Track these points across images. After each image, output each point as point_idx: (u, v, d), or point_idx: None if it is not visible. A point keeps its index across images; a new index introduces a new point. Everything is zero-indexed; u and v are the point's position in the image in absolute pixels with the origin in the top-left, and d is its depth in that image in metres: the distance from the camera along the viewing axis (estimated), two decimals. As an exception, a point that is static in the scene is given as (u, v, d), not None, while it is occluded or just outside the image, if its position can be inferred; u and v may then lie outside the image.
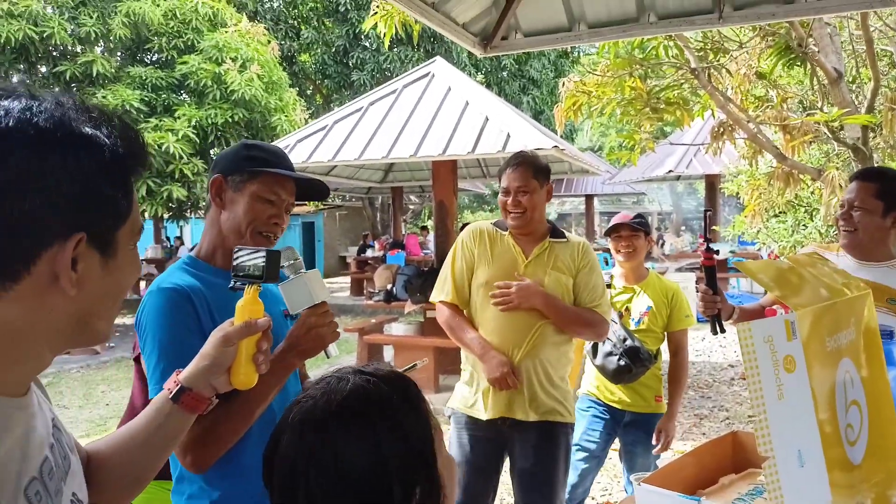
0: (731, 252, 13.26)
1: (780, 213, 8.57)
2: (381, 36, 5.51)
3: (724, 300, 2.11)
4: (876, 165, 3.51)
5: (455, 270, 2.57)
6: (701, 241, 2.57)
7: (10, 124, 0.70)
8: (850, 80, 5.86)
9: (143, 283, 16.60)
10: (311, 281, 1.41)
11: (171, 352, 1.36)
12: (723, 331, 2.11)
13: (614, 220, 3.02)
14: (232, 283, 1.26)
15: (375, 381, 0.92)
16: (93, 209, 0.74)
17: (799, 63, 5.20)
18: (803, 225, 7.62)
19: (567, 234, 2.59)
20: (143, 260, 16.85)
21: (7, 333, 0.72)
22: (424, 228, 18.25)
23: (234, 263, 1.25)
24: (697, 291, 2.13)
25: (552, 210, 33.39)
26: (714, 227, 12.46)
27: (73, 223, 0.72)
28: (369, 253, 15.72)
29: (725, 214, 16.94)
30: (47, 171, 0.70)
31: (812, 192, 7.46)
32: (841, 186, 4.61)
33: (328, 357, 2.07)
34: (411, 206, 19.76)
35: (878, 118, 4.92)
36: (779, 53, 5.17)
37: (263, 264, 1.23)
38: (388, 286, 7.82)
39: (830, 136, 5.13)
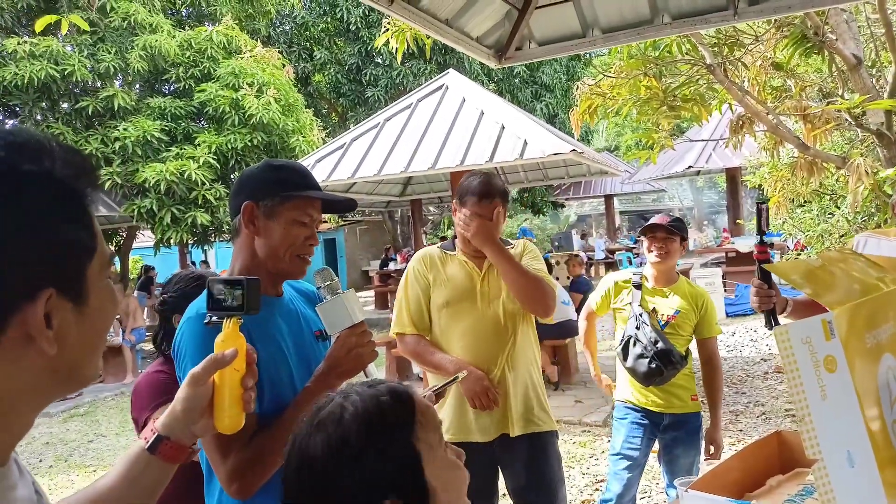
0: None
1: (804, 202, 8.44)
2: (394, 52, 5.57)
3: (779, 293, 2.07)
4: None
5: (410, 299, 2.51)
6: (738, 235, 2.52)
7: None
8: (870, 65, 5.78)
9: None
10: (348, 301, 1.41)
11: None
12: (777, 324, 2.06)
13: (652, 220, 2.99)
14: (208, 317, 1.15)
15: (354, 400, 0.94)
16: (56, 256, 0.65)
17: (816, 52, 5.14)
18: (829, 213, 7.51)
19: (508, 240, 2.58)
20: (170, 286, 17.05)
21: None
22: (445, 238, 18.27)
23: (212, 296, 1.14)
24: (752, 286, 2.08)
25: (571, 212, 33.24)
26: (739, 221, 12.34)
27: (39, 278, 0.64)
28: (392, 266, 15.78)
29: (748, 207, 16.76)
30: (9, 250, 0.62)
31: (837, 180, 7.36)
32: (867, 173, 4.55)
33: (367, 378, 2.09)
34: (430, 217, 19.80)
35: (901, 102, 4.84)
36: (795, 43, 5.12)
37: (242, 294, 1.13)
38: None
39: (853, 122, 5.07)
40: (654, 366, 2.81)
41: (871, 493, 1.02)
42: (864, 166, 4.55)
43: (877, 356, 1.14)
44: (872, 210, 6.98)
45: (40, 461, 6.21)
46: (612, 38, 2.83)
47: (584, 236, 23.87)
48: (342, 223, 20.81)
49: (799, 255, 9.49)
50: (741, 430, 5.24)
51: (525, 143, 6.34)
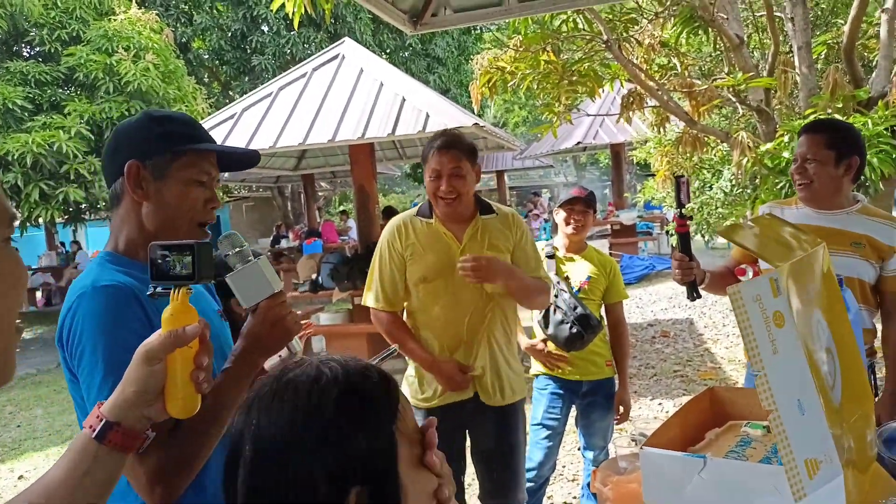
0: (639, 217, 13.82)
1: (684, 176, 8.96)
2: (291, 16, 5.32)
3: (698, 266, 2.13)
4: (823, 118, 3.69)
5: (384, 274, 2.45)
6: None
7: None
8: (747, 45, 6.17)
9: (39, 294, 15.60)
10: (264, 268, 1.23)
11: (120, 361, 1.01)
12: (698, 296, 2.13)
13: (572, 193, 3.06)
14: (151, 288, 1.00)
15: (334, 366, 0.76)
16: None
17: (703, 31, 5.42)
18: (709, 186, 8.01)
19: (494, 205, 2.50)
20: (38, 269, 15.76)
21: None
22: (344, 213, 18.00)
23: (155, 263, 0.99)
24: (673, 258, 2.13)
25: (463, 188, 33.62)
26: (626, 194, 12.96)
27: None
28: (284, 244, 15.34)
29: (627, 181, 17.64)
30: None
31: (715, 155, 7.86)
32: (749, 147, 4.86)
33: (291, 352, 1.96)
34: (321, 194, 19.40)
35: (776, 81, 5.21)
36: (683, 22, 5.37)
37: (192, 260, 0.98)
38: (313, 276, 7.66)
39: (735, 99, 5.39)
40: (574, 330, 2.88)
41: (822, 437, 1.08)
42: (747, 140, 4.86)
43: (810, 311, 1.21)
44: (747, 183, 7.52)
45: None
46: (528, 7, 2.83)
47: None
48: (227, 199, 19.91)
49: (679, 226, 10.10)
50: (635, 392, 5.53)
51: (427, 115, 6.29)
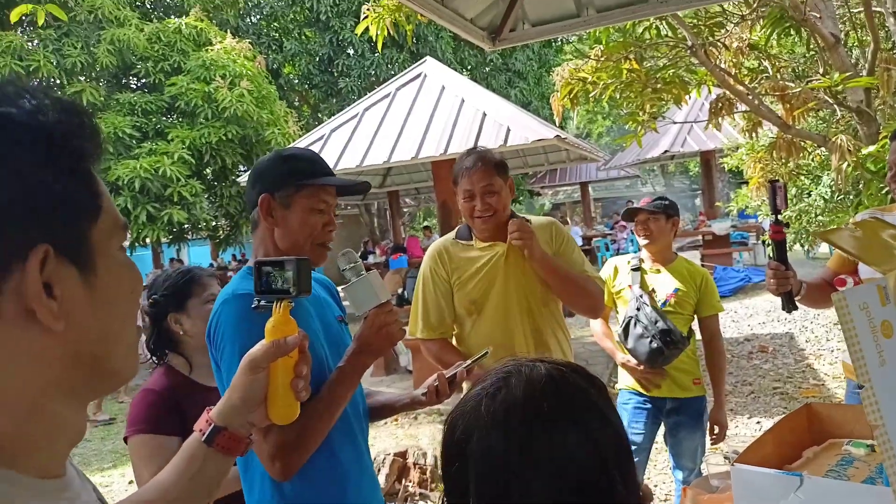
0: (733, 226, 13.26)
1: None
2: (375, 38, 5.49)
3: (795, 275, 2.03)
4: None
5: (429, 302, 2.36)
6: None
7: None
8: (846, 44, 5.85)
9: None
10: (374, 281, 1.44)
11: None
12: (794, 308, 2.03)
13: (638, 204, 2.99)
14: (255, 302, 1.08)
15: (564, 370, 0.84)
16: (47, 209, 0.56)
17: (794, 31, 5.18)
18: (807, 192, 7.61)
19: (531, 217, 2.39)
20: (146, 286, 16.75)
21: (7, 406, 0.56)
22: (427, 228, 18.24)
23: (259, 279, 1.07)
24: (768, 268, 2.03)
25: (546, 200, 33.37)
26: (718, 203, 12.49)
27: (29, 232, 0.55)
28: (371, 259, 15.67)
29: (719, 189, 16.97)
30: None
31: (813, 160, 7.46)
32: (849, 151, 4.59)
33: (396, 355, 2.13)
34: (406, 209, 19.74)
35: (877, 80, 4.90)
36: (773, 22, 5.15)
37: (293, 276, 1.05)
38: (399, 290, 7.80)
39: (832, 101, 5.12)
40: (654, 346, 2.79)
41: (933, 457, 1.01)
42: (847, 144, 4.60)
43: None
44: (849, 188, 7.10)
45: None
46: (607, 16, 2.81)
47: (563, 223, 23.94)
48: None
49: (775, 235, 9.62)
50: (731, 410, 5.30)
51: (508, 129, 6.31)
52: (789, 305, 2.03)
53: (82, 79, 11.37)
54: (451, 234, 2.43)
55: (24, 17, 9.77)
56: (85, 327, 0.59)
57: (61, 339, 0.57)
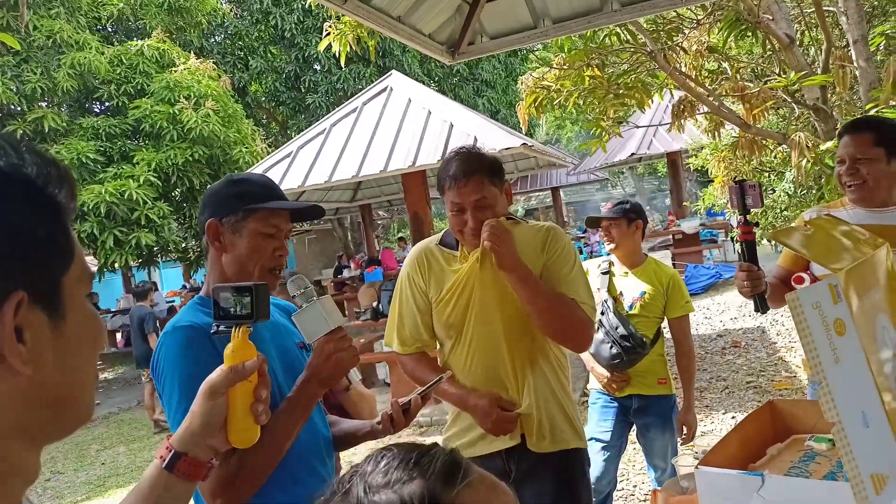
0: (702, 224, 13.45)
1: (745, 180, 8.69)
2: (337, 56, 5.49)
3: (763, 276, 2.00)
4: (860, 116, 3.53)
5: (404, 314, 2.10)
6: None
7: None
8: (799, 43, 5.99)
9: (119, 336, 16.30)
10: (324, 307, 1.37)
11: (192, 391, 1.12)
12: (767, 309, 2.00)
13: (592, 215, 3.05)
14: (214, 327, 1.09)
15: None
16: (26, 254, 0.58)
17: (750, 33, 5.30)
18: (772, 189, 7.76)
19: (532, 224, 2.10)
20: (116, 311, 16.49)
21: None
22: (402, 240, 18.22)
23: (217, 304, 1.08)
24: (738, 269, 1.99)
25: (519, 206, 33.61)
26: (686, 203, 12.64)
27: (7, 280, 0.56)
28: (346, 273, 15.61)
29: (687, 189, 17.21)
30: None
31: (775, 157, 7.62)
32: (808, 147, 4.70)
33: (350, 383, 2.02)
34: (380, 222, 19.71)
35: (832, 77, 5.03)
36: (729, 26, 5.26)
37: (250, 301, 1.07)
38: (374, 303, 7.77)
39: (790, 99, 5.23)
40: (615, 350, 2.82)
41: (888, 450, 1.03)
42: (805, 140, 4.70)
43: (873, 316, 1.16)
44: (811, 183, 7.25)
45: (-6, 505, 5.90)
46: (564, 27, 2.84)
47: (533, 229, 24.03)
48: (290, 234, 20.44)
49: (743, 232, 9.78)
50: (707, 406, 5.36)
51: (475, 139, 6.35)
52: (762, 306, 2.00)
53: (43, 104, 11.20)
54: (436, 239, 2.14)
55: (-20, 45, 9.61)
56: (51, 371, 0.60)
57: (27, 381, 0.58)
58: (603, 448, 2.98)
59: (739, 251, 2.00)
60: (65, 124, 10.95)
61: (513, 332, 1.98)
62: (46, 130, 10.56)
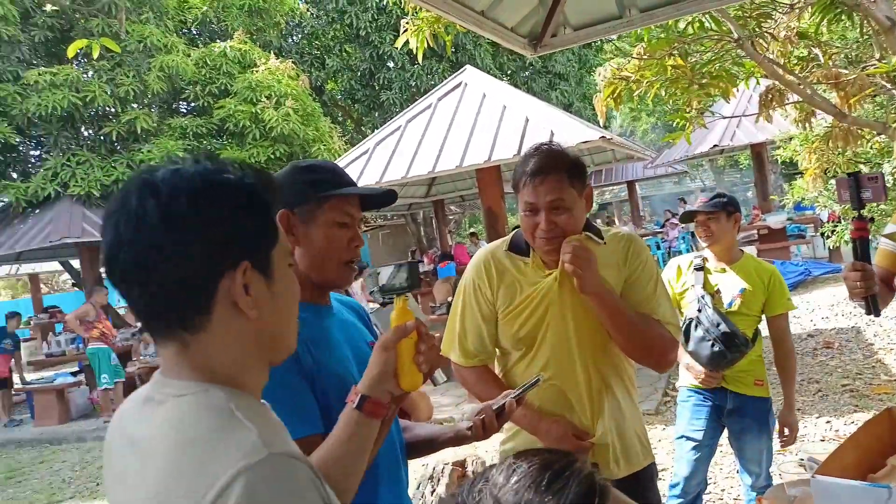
0: (789, 219, 12.85)
1: (837, 173, 8.26)
2: (414, 52, 5.53)
3: (874, 276, 1.89)
4: None
5: (467, 323, 1.94)
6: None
7: (166, 192, 0.82)
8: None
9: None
10: (411, 304, 1.34)
11: (281, 397, 1.17)
12: (879, 312, 1.88)
13: (693, 207, 2.92)
14: (383, 300, 1.27)
15: None
16: (249, 239, 0.86)
17: (845, 17, 5.01)
18: (868, 182, 7.32)
19: (605, 230, 1.96)
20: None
21: (223, 357, 0.86)
22: (474, 234, 18.24)
23: (381, 284, 1.29)
24: (846, 269, 1.89)
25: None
26: (772, 196, 12.13)
27: (239, 253, 0.84)
28: (419, 268, 15.75)
29: (772, 182, 16.47)
30: (205, 220, 0.83)
31: (871, 147, 7.18)
32: (913, 136, 4.41)
33: (435, 384, 1.99)
34: (451, 217, 19.79)
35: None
36: (823, 9, 4.99)
37: (407, 276, 1.31)
38: (449, 298, 7.81)
39: (890, 86, 4.93)
40: (717, 349, 2.71)
41: None
42: (909, 129, 4.41)
43: None
44: (911, 175, 6.80)
45: (97, 485, 6.26)
46: (651, 16, 2.76)
47: (609, 224, 23.67)
48: (364, 229, 20.85)
49: (835, 226, 9.30)
50: (799, 410, 5.12)
51: (552, 133, 6.27)
52: (875, 309, 1.88)
53: (135, 106, 11.79)
54: (504, 242, 1.98)
55: (79, 51, 10.18)
56: (268, 316, 0.87)
57: (254, 324, 0.85)
58: (694, 448, 2.88)
59: (851, 249, 1.87)
60: (155, 125, 11.48)
61: (589, 352, 1.86)
62: (139, 131, 11.09)
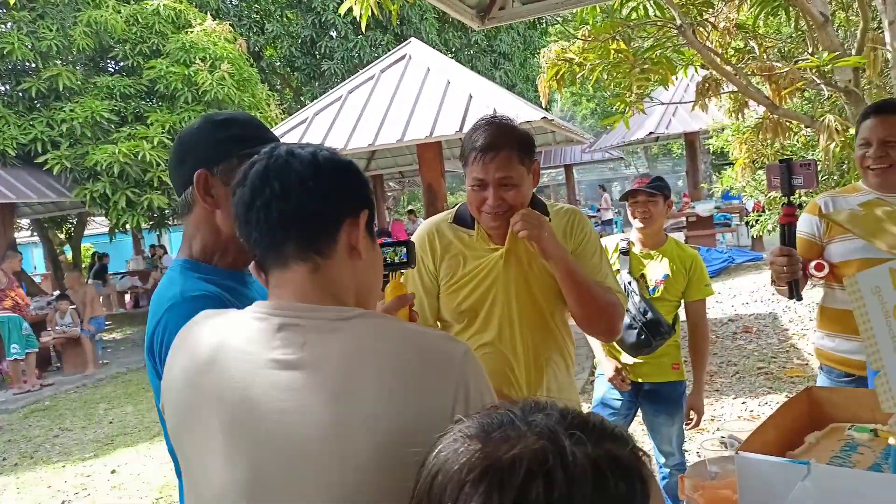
0: (717, 208, 13.31)
1: (765, 164, 8.57)
2: (358, 19, 5.37)
3: (798, 261, 1.94)
4: (887, 98, 3.39)
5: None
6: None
7: (322, 160, 1.01)
8: (834, 23, 5.83)
9: (127, 297, 16.40)
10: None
11: None
12: (801, 296, 1.94)
13: (633, 185, 2.91)
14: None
15: (607, 466, 0.59)
16: (364, 198, 1.04)
17: (782, 10, 5.15)
18: (792, 174, 7.62)
19: (551, 204, 1.96)
20: (126, 272, 16.58)
21: (342, 285, 1.00)
22: (412, 212, 18.15)
23: (384, 259, 1.39)
24: (773, 254, 1.93)
25: (532, 183, 33.36)
26: (703, 185, 12.51)
27: (363, 203, 1.03)
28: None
29: (702, 171, 17.01)
30: (338, 178, 1.01)
31: (798, 140, 7.47)
32: (837, 130, 4.58)
33: None
34: (390, 193, 19.61)
35: (866, 59, 4.88)
36: (762, 2, 5.11)
37: (407, 251, 1.39)
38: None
39: (820, 81, 5.10)
40: (643, 337, 2.73)
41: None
42: (835, 124, 4.59)
43: (932, 304, 1.09)
44: (832, 169, 7.12)
45: (4, 459, 5.97)
46: (598, -6, 2.73)
47: (545, 206, 23.91)
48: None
49: (759, 216, 9.67)
50: (717, 391, 5.33)
51: (494, 111, 6.23)
52: (797, 293, 1.94)
53: (58, 63, 11.12)
54: (449, 215, 1.97)
55: (-5, -2, 9.52)
56: (367, 267, 1.03)
57: (360, 266, 1.01)
58: (611, 415, 2.89)
59: (779, 234, 1.91)
60: (79, 83, 10.86)
61: (530, 327, 1.87)
62: (61, 88, 10.48)
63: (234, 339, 0.96)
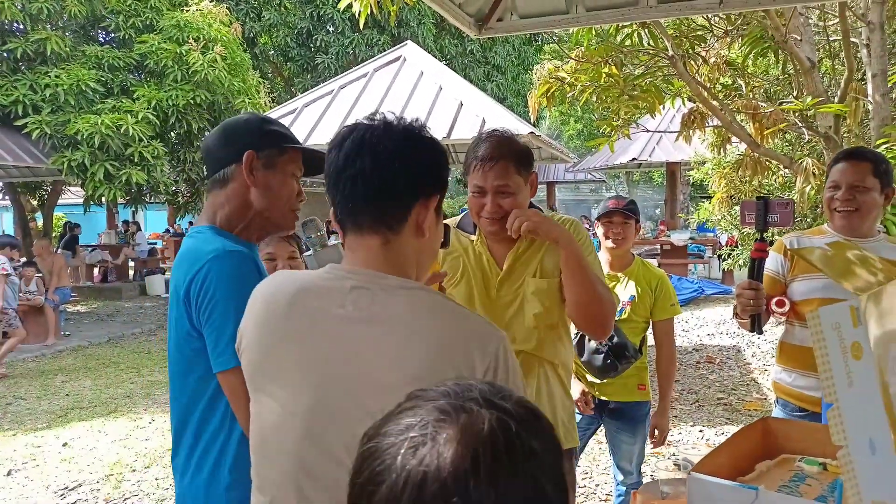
0: (691, 238, 13.50)
1: (741, 200, 8.71)
2: (357, 16, 5.38)
3: (763, 296, 2.01)
4: (856, 146, 3.48)
5: None
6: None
7: (415, 140, 1.11)
8: (821, 70, 5.98)
9: (96, 270, 16.12)
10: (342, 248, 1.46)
11: (243, 313, 1.23)
12: (762, 330, 2.00)
13: (609, 206, 2.92)
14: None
15: (513, 426, 0.64)
16: (441, 182, 1.14)
17: (771, 52, 5.27)
18: (767, 212, 7.77)
19: (550, 214, 2.01)
20: (97, 245, 16.31)
21: (405, 259, 1.12)
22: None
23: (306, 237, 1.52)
24: (740, 287, 1.99)
25: (513, 197, 33.49)
26: (680, 214, 12.69)
27: (432, 189, 1.12)
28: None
29: (681, 201, 17.27)
30: (427, 162, 1.11)
31: (776, 180, 7.63)
32: (814, 174, 4.70)
33: None
34: (374, 192, 19.60)
35: (848, 108, 5.01)
36: (752, 42, 5.23)
37: (446, 233, 1.44)
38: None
39: (802, 124, 5.23)
40: (608, 361, 2.72)
41: (890, 478, 1.02)
42: (812, 167, 4.71)
43: (888, 345, 1.14)
44: (806, 211, 7.28)
45: (-48, 423, 5.83)
46: (596, 16, 2.79)
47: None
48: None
49: (732, 251, 9.85)
50: (676, 416, 5.40)
51: (483, 121, 6.29)
52: (759, 327, 1.99)
53: (48, 27, 10.94)
54: (453, 221, 2.08)
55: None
56: (428, 244, 1.15)
57: (423, 245, 1.13)
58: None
59: (748, 268, 1.96)
60: (68, 49, 10.69)
61: (530, 341, 1.94)
62: (48, 53, 10.31)
63: (311, 293, 1.10)
